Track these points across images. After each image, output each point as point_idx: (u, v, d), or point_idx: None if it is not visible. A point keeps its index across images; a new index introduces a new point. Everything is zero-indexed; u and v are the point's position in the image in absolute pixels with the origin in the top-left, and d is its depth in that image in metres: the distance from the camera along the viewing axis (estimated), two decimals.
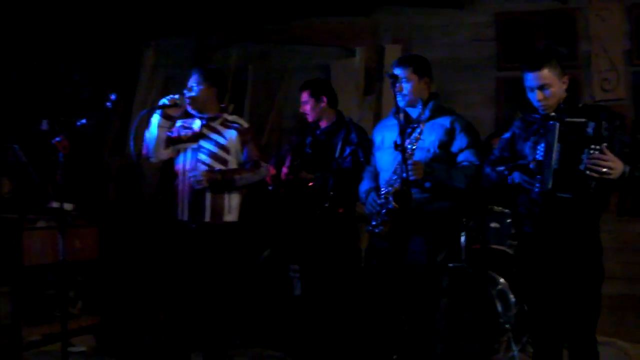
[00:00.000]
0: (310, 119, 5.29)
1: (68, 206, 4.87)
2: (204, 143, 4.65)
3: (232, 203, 4.69)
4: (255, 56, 7.23)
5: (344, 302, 5.11)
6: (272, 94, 7.14)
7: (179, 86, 4.94)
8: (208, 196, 4.60)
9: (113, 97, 4.52)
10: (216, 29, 7.30)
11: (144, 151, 4.69)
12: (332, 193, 4.84)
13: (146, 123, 4.70)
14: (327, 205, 4.84)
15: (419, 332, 4.28)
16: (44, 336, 4.94)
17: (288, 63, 7.06)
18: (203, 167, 4.59)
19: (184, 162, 4.68)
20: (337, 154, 4.89)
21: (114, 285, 5.75)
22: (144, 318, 5.76)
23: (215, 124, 4.71)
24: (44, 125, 5.23)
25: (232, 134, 4.69)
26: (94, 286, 5.44)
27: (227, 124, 4.73)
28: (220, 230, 4.63)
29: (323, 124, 5.28)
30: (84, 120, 4.60)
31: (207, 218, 4.61)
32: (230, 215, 4.68)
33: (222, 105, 4.84)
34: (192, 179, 4.57)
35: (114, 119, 7.37)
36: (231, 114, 5.00)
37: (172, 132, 4.71)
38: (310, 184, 5.08)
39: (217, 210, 4.62)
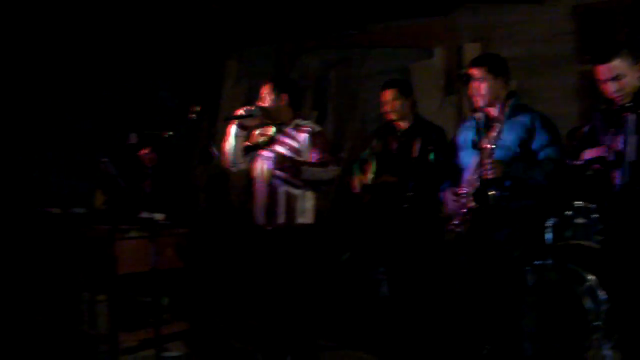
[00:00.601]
0: (393, 116, 5.29)
1: (159, 216, 5.03)
2: (278, 148, 4.76)
3: (305, 205, 4.76)
4: (335, 62, 7.30)
5: (430, 301, 5.11)
6: (353, 99, 7.18)
7: None
8: (282, 199, 4.70)
9: (196, 109, 4.66)
10: (296, 37, 7.40)
11: (224, 161, 4.83)
12: (412, 194, 4.86)
13: (225, 134, 4.85)
14: (407, 206, 4.87)
15: (505, 331, 4.27)
16: (140, 342, 5.08)
17: (367, 67, 7.09)
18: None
19: (259, 168, 4.81)
20: (416, 155, 4.91)
21: (204, 292, 5.89)
22: (233, 324, 5.87)
23: (289, 129, 4.82)
24: (133, 139, 5.40)
25: (304, 137, 4.77)
26: (185, 293, 5.58)
27: (299, 128, 4.82)
28: (294, 232, 4.71)
29: (402, 126, 5.31)
30: (170, 132, 4.73)
31: (281, 220, 4.71)
32: (304, 218, 4.75)
33: (297, 112, 4.93)
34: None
35: (201, 130, 7.55)
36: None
37: (249, 140, 4.84)
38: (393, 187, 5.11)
39: (291, 212, 4.71)
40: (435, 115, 6.12)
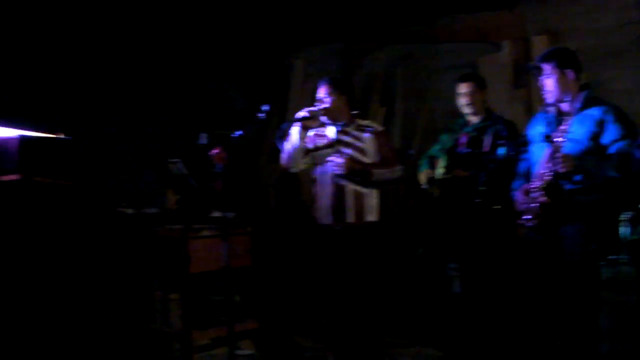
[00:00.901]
0: (468, 110, 5.26)
1: (231, 214, 5.08)
2: (344, 150, 4.78)
3: (372, 203, 4.79)
4: (403, 59, 7.27)
5: (503, 297, 5.06)
6: (421, 95, 7.16)
7: None
8: (350, 197, 4.72)
9: (265, 108, 4.70)
10: (362, 35, 7.40)
11: (284, 162, 4.88)
12: (484, 188, 4.83)
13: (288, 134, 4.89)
14: (478, 201, 4.84)
15: (579, 328, 4.20)
16: (212, 339, 5.14)
17: (435, 63, 7.06)
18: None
19: (322, 169, 4.83)
20: (487, 149, 4.87)
21: (275, 290, 5.92)
22: (303, 322, 5.90)
23: (350, 129, 4.84)
24: (203, 139, 5.48)
25: (367, 137, 4.80)
26: (256, 291, 5.63)
27: (361, 128, 4.85)
28: (364, 230, 4.74)
29: (474, 120, 5.27)
30: (240, 132, 4.78)
31: (351, 219, 4.73)
32: (371, 215, 4.79)
33: (353, 112, 4.94)
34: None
35: (270, 129, 7.61)
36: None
37: (306, 141, 4.88)
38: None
39: (359, 211, 4.73)
40: (504, 109, 6.05)
